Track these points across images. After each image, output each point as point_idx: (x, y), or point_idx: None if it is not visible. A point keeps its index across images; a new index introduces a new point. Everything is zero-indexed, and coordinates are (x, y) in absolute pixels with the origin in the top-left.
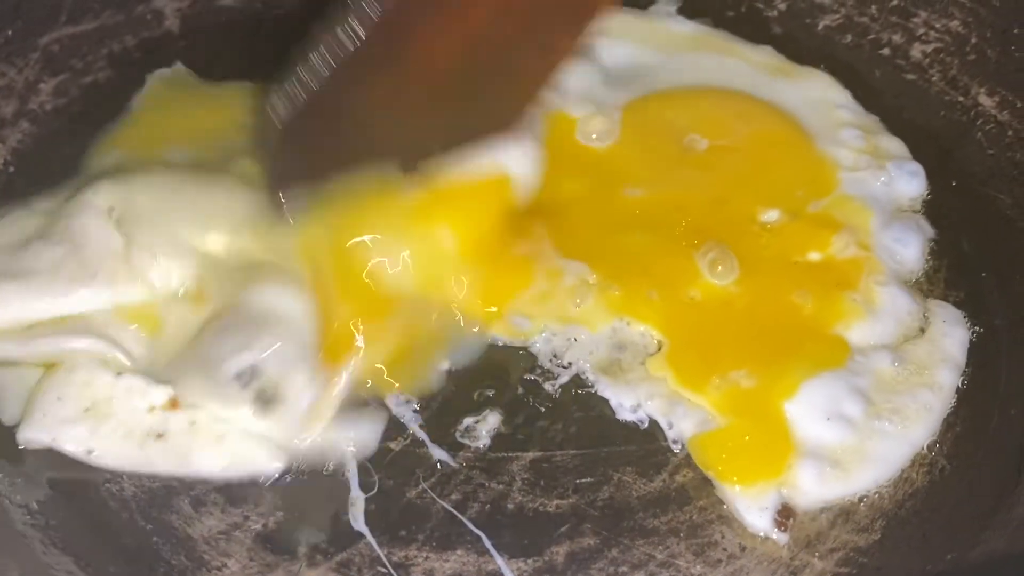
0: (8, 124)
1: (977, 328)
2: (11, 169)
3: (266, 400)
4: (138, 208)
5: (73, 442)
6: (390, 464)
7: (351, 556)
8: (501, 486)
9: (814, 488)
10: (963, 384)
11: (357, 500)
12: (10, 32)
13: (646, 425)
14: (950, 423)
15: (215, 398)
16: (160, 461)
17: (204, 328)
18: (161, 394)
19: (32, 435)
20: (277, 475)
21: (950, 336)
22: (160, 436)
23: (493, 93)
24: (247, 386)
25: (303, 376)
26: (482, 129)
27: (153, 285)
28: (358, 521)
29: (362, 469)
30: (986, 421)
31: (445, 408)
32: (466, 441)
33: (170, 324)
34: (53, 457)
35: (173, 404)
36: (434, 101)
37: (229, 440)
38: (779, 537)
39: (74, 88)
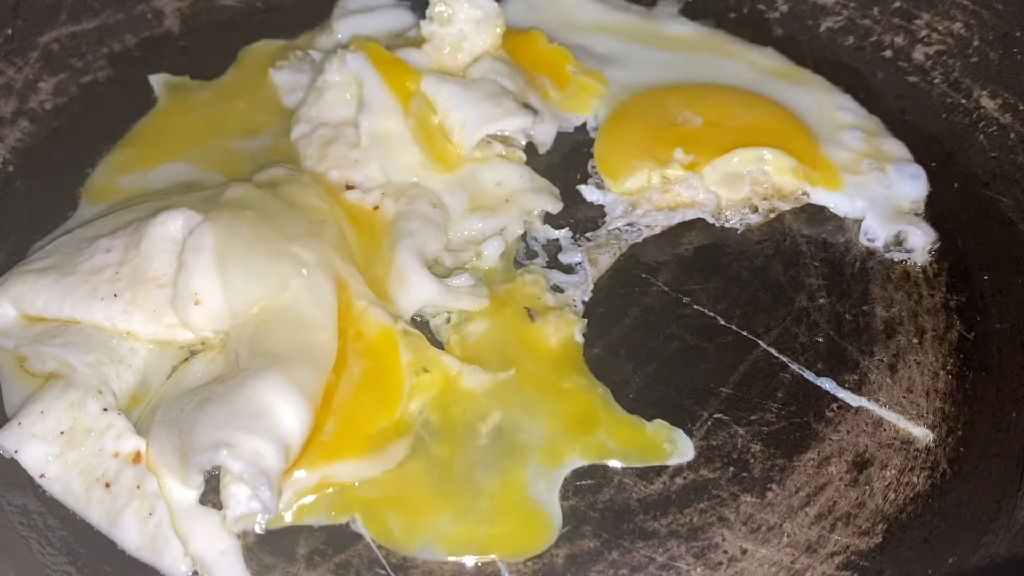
0: (7, 123)
1: (978, 331)
2: (10, 168)
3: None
4: (211, 254)
5: (32, 459)
6: None
7: (350, 558)
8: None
9: None
10: (964, 387)
11: None
12: (10, 31)
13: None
14: (951, 427)
15: (176, 474)
16: (95, 511)
17: (202, 390)
18: (131, 444)
19: (2, 440)
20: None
21: None
22: (108, 486)
23: None
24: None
25: (264, 490)
26: None
27: (180, 332)
28: (357, 523)
29: None
30: (987, 424)
31: None
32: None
33: (175, 370)
34: None
35: (136, 458)
36: None
37: (155, 522)
38: None
39: (74, 87)
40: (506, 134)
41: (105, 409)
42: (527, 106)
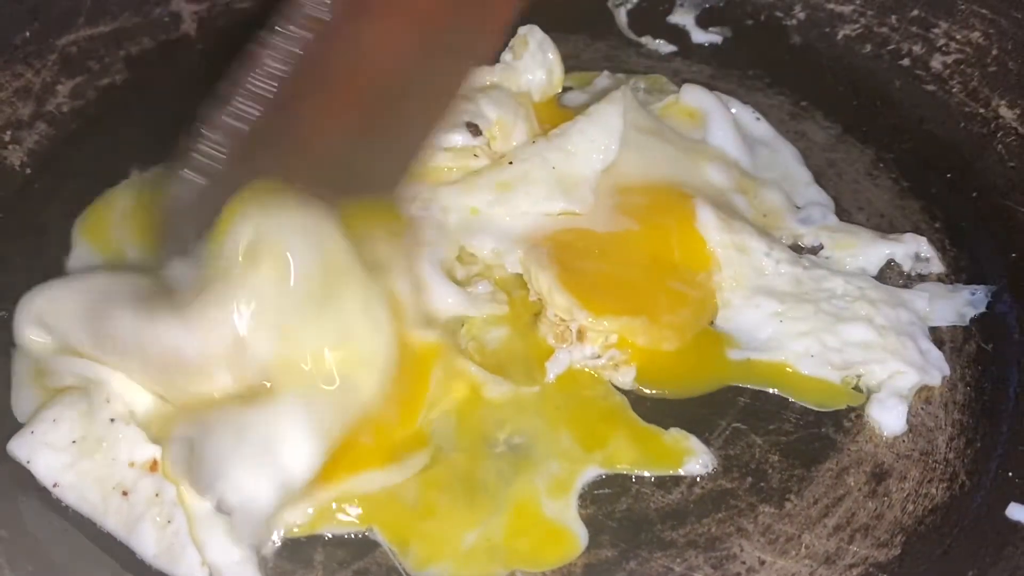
0: (25, 126)
1: (995, 342)
2: (28, 171)
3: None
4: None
5: (46, 469)
6: None
7: (368, 565)
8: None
9: None
10: (983, 398)
11: None
12: (28, 33)
13: None
14: (969, 438)
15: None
16: (113, 519)
17: (221, 406)
18: (147, 452)
19: (14, 448)
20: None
21: None
22: (125, 494)
23: (413, 107)
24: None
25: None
26: (406, 144)
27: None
28: (375, 531)
29: None
30: (1006, 436)
31: None
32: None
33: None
34: None
35: (153, 466)
36: (363, 127)
37: (173, 530)
38: None
39: (91, 90)
40: None
41: (112, 420)
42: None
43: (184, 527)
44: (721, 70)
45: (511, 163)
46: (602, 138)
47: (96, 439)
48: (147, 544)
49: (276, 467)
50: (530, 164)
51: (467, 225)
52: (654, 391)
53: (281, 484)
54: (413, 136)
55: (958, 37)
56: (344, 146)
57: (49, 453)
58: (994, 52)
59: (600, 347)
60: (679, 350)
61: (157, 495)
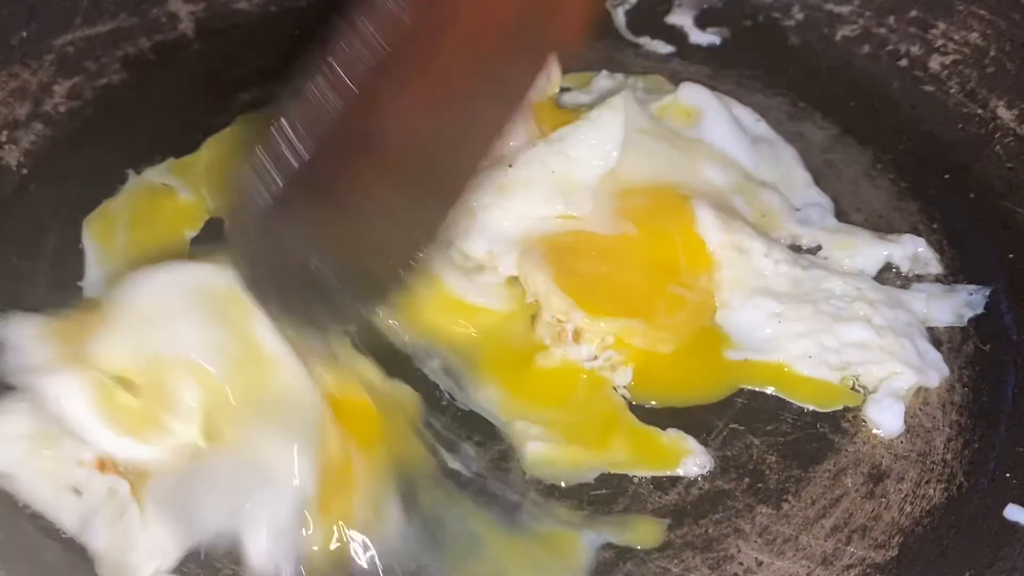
0: (22, 126)
1: (993, 343)
2: (24, 171)
3: None
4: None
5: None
6: None
7: None
8: (516, 496)
9: None
10: (980, 399)
11: None
12: (24, 34)
13: None
14: (967, 439)
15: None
16: (67, 517)
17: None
18: (93, 452)
19: None
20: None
21: None
22: (77, 492)
23: (459, 150)
24: None
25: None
26: (449, 191)
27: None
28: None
29: None
30: (1003, 437)
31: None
32: (483, 446)
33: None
34: None
35: (101, 466)
36: (409, 174)
37: (127, 520)
38: None
39: (88, 90)
40: None
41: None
42: None
43: (136, 518)
44: (719, 71)
45: (510, 166)
46: (603, 144)
47: (46, 436)
48: (99, 539)
49: (284, 484)
50: (529, 168)
51: (461, 227)
52: (654, 402)
53: (295, 496)
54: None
55: (956, 38)
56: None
57: (1, 445)
58: (992, 53)
59: (597, 348)
60: (677, 352)
61: (113, 491)
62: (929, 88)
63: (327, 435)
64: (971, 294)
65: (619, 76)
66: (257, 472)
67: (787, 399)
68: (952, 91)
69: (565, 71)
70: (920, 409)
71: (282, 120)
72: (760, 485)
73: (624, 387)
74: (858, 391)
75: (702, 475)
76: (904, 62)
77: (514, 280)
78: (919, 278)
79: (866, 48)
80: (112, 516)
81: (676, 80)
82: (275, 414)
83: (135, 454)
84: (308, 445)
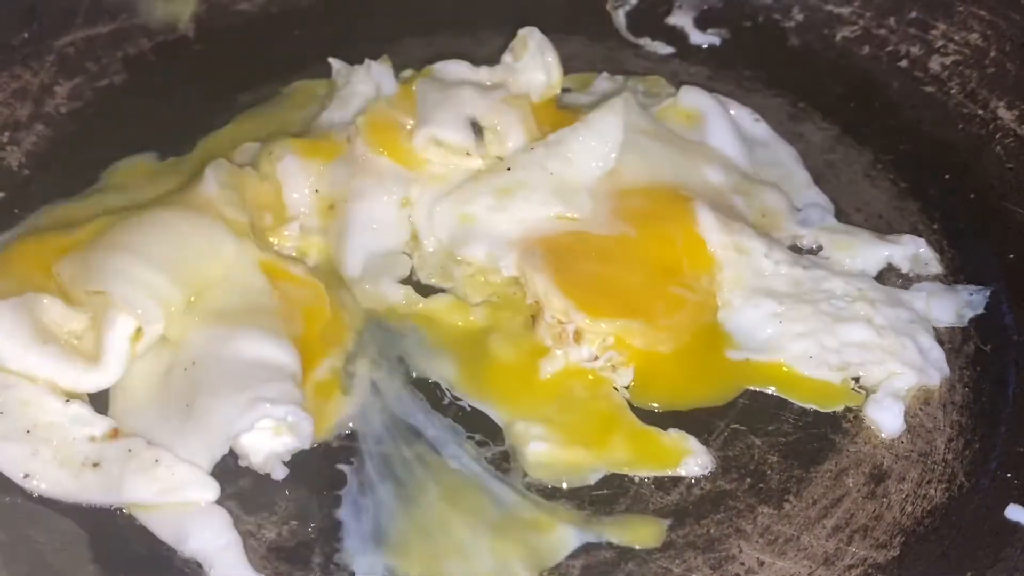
0: (23, 127)
1: (994, 343)
2: (25, 172)
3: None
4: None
5: (10, 462)
6: None
7: None
8: (517, 496)
9: None
10: (981, 400)
11: None
12: (26, 34)
13: None
14: (968, 440)
15: (211, 460)
16: (95, 491)
17: (184, 380)
18: (103, 424)
19: None
20: (207, 503)
21: None
22: (96, 465)
23: None
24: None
25: (306, 424)
26: None
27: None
28: None
29: None
30: (1004, 437)
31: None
32: (483, 449)
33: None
34: None
35: (114, 434)
36: None
37: (164, 465)
38: None
39: (89, 91)
40: None
41: (67, 400)
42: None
43: (169, 457)
44: (719, 71)
45: (509, 168)
46: (601, 146)
47: (47, 425)
48: (144, 491)
49: (280, 368)
50: (528, 170)
51: (458, 233)
52: (656, 406)
53: (291, 377)
54: None
55: (956, 38)
56: None
57: (6, 446)
58: (992, 53)
59: (598, 348)
60: (678, 353)
61: (129, 450)
62: (929, 89)
63: (285, 313)
64: (971, 294)
65: (619, 78)
66: (247, 365)
67: (788, 399)
68: (952, 92)
69: (566, 72)
70: (921, 409)
71: None
72: (761, 485)
73: (625, 387)
74: (859, 391)
75: (703, 475)
76: (904, 63)
77: (514, 281)
78: (919, 278)
79: (866, 49)
80: (143, 468)
81: (676, 81)
82: (232, 305)
83: (91, 379)
84: (273, 326)
